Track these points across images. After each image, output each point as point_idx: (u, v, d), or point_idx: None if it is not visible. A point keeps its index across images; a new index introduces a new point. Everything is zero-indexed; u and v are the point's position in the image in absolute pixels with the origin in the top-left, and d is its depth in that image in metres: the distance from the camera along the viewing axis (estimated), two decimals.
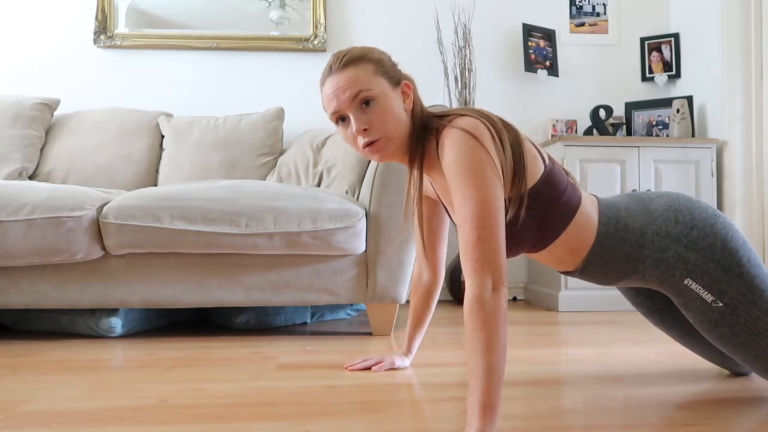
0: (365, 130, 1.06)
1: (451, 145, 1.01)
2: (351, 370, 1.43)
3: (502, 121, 1.07)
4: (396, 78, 1.12)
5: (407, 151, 1.12)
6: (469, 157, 0.98)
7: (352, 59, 1.08)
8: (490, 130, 1.02)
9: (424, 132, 1.12)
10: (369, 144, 1.08)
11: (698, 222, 1.08)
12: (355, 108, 1.07)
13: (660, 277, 1.09)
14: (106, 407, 1.14)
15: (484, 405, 0.86)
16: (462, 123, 1.03)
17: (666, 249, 1.07)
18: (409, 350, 1.47)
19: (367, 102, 1.06)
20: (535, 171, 1.06)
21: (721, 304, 1.05)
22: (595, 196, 1.17)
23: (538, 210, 1.06)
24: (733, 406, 1.11)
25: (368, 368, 1.43)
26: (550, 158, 1.12)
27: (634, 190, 2.66)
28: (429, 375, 1.38)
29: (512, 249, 1.09)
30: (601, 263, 1.12)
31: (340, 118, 1.09)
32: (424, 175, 1.15)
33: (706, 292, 1.06)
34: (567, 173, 1.13)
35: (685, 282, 1.07)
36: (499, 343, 0.89)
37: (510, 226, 1.03)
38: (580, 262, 1.14)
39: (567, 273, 1.19)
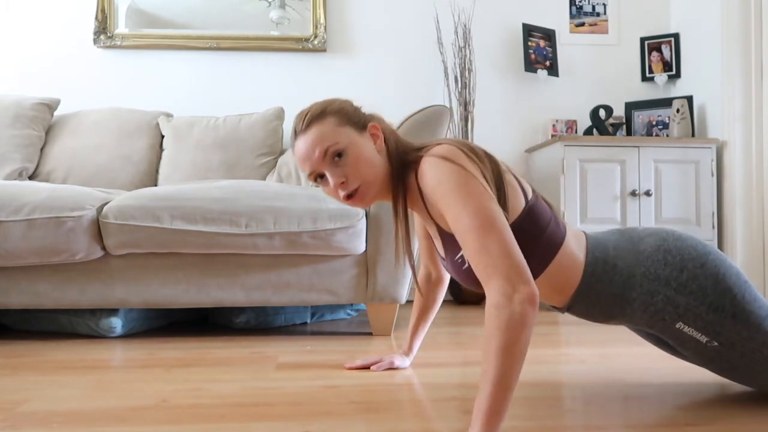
0: (343, 183, 1.07)
1: (429, 172, 1.00)
2: (350, 369, 1.43)
3: (484, 151, 1.05)
4: (362, 122, 1.11)
5: (390, 189, 1.11)
6: (451, 178, 0.97)
7: (314, 117, 1.08)
8: (467, 155, 1.01)
9: (403, 167, 1.11)
10: (350, 195, 1.08)
11: (688, 263, 1.03)
12: (329, 164, 1.07)
13: (649, 321, 1.06)
14: (106, 407, 1.14)
15: (488, 411, 0.83)
16: (438, 150, 1.02)
17: (655, 293, 1.03)
18: (409, 350, 1.47)
19: (338, 155, 1.06)
20: (515, 205, 1.03)
21: (716, 344, 1.03)
22: (583, 232, 1.13)
23: (521, 241, 1.00)
24: (734, 406, 1.11)
25: (367, 367, 1.43)
26: (533, 192, 1.08)
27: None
28: (429, 375, 1.38)
29: None
30: (588, 303, 1.09)
31: (318, 176, 1.10)
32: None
33: (699, 334, 1.03)
34: (551, 207, 1.09)
35: (677, 326, 1.03)
36: (515, 351, 0.84)
37: None
38: (566, 301, 1.10)
39: (554, 308, 1.16)
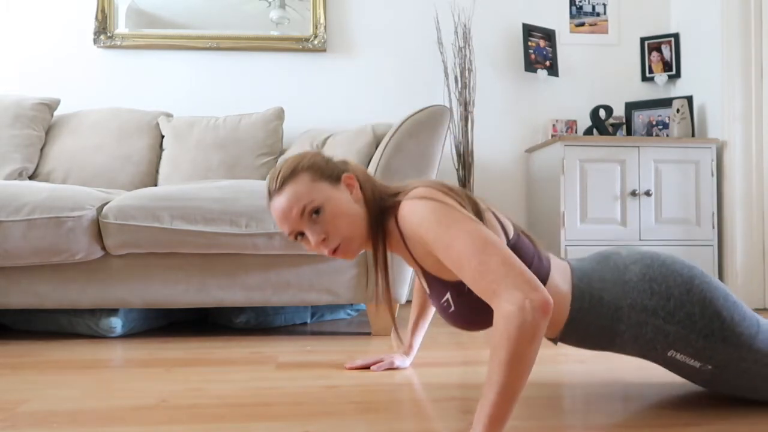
0: (324, 239, 1.05)
1: (410, 215, 0.99)
2: (350, 369, 1.43)
3: (462, 190, 1.04)
4: (335, 174, 1.09)
5: (370, 237, 1.09)
6: (433, 214, 0.96)
7: (286, 176, 1.06)
8: (445, 192, 1.01)
9: (381, 213, 1.09)
10: (333, 251, 1.06)
11: (674, 291, 1.01)
12: (307, 222, 1.05)
13: (641, 351, 1.05)
14: (106, 407, 1.14)
15: (491, 418, 0.82)
16: (415, 193, 1.01)
17: (643, 323, 1.01)
18: (409, 350, 1.47)
19: (316, 212, 1.05)
20: None
21: (710, 367, 1.02)
22: (568, 262, 1.11)
23: None
24: (734, 406, 1.11)
25: (367, 367, 1.43)
26: (515, 229, 1.07)
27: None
28: (429, 375, 1.38)
29: (477, 323, 1.06)
30: (578, 337, 1.08)
31: (298, 235, 1.08)
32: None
33: (692, 360, 1.02)
34: (534, 242, 1.07)
35: (669, 353, 1.03)
36: (523, 363, 0.83)
37: (473, 300, 0.98)
38: (556, 334, 1.09)
39: (548, 338, 1.14)
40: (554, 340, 1.12)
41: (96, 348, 1.74)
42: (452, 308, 1.05)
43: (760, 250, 2.64)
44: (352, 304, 2.39)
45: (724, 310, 1.01)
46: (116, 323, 1.90)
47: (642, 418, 1.05)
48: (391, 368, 1.43)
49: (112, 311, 1.91)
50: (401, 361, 1.44)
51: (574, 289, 1.05)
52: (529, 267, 1.01)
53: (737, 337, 1.00)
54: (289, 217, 1.05)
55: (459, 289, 1.02)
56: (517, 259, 0.90)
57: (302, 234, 1.08)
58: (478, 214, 1.00)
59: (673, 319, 1.00)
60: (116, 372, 1.44)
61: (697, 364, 1.03)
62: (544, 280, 1.03)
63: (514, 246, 1.03)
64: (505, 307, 0.85)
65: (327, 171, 1.09)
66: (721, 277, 2.70)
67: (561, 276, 1.07)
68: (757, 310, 2.61)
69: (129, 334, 1.97)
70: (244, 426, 1.02)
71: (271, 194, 1.08)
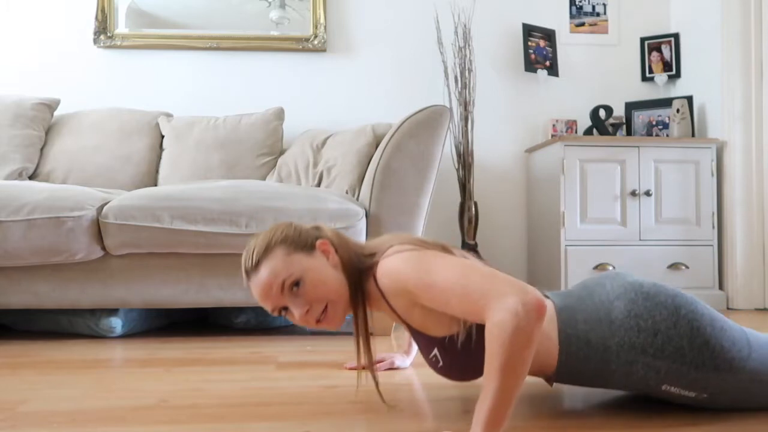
0: (308, 310, 1.04)
1: (388, 271, 0.99)
2: (350, 369, 1.43)
3: (437, 242, 1.04)
4: (309, 243, 1.08)
5: (351, 300, 1.08)
6: (409, 262, 0.97)
7: (260, 254, 1.05)
8: (419, 244, 1.02)
9: (360, 275, 1.07)
10: (318, 321, 1.05)
11: (660, 325, 1.00)
12: (288, 296, 1.04)
13: (635, 387, 1.04)
14: (106, 407, 1.14)
15: (488, 422, 0.83)
16: (389, 252, 1.02)
17: (633, 362, 1.00)
18: (409, 350, 1.47)
19: (296, 284, 1.04)
20: None
21: (706, 395, 1.02)
22: (551, 300, 1.08)
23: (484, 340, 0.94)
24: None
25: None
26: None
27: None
28: (429, 375, 1.38)
29: (468, 375, 1.05)
30: (572, 379, 1.07)
31: (281, 310, 1.07)
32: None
33: (687, 391, 1.02)
34: None
35: (663, 388, 1.02)
36: (518, 369, 0.83)
37: (461, 354, 0.99)
38: (550, 376, 1.08)
39: (543, 379, 1.13)
40: (549, 383, 1.11)
41: (96, 348, 1.74)
42: (441, 363, 1.05)
43: (760, 250, 2.64)
44: None
45: (712, 339, 1.00)
46: (116, 323, 1.90)
47: (642, 418, 1.05)
48: (392, 368, 1.43)
49: (112, 311, 1.91)
50: (401, 361, 1.44)
51: (560, 334, 1.03)
52: None
53: (729, 363, 1.00)
54: (270, 294, 1.04)
55: (446, 344, 1.01)
56: (495, 272, 0.91)
57: (285, 308, 1.06)
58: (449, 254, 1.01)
59: (663, 354, 0.99)
60: (116, 372, 1.44)
61: (693, 394, 1.02)
62: None
63: None
64: (497, 315, 0.85)
65: (301, 241, 1.07)
66: (720, 277, 2.70)
67: (546, 319, 1.03)
68: (757, 310, 2.61)
69: (129, 334, 1.97)
70: (244, 426, 1.02)
71: (248, 273, 1.07)
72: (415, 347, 1.47)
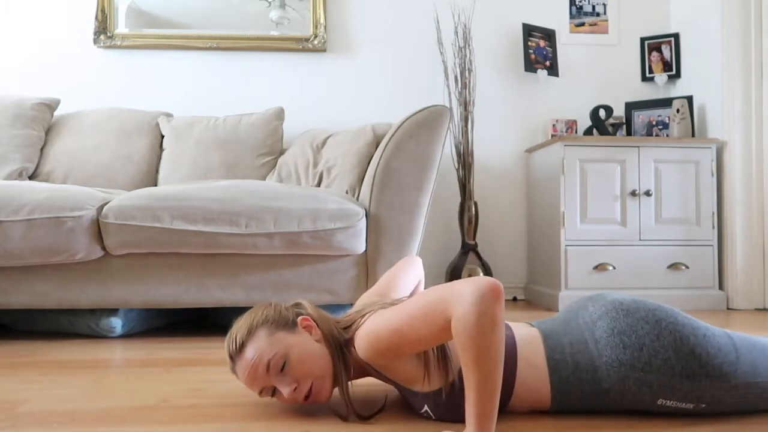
0: (296, 388, 1.03)
1: (363, 342, 1.01)
2: None
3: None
4: (291, 321, 1.08)
5: (334, 374, 1.08)
6: (376, 325, 0.99)
7: (243, 337, 1.04)
8: (389, 307, 1.04)
9: (342, 347, 1.08)
10: (306, 397, 1.04)
11: (644, 339, 1.01)
12: (274, 376, 1.03)
13: (631, 404, 1.04)
14: (106, 407, 1.14)
15: (478, 415, 0.85)
16: (360, 322, 1.05)
17: (625, 379, 1.01)
18: None
19: (282, 365, 1.03)
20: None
21: (704, 405, 1.02)
22: (537, 328, 1.09)
23: None
24: None
25: None
26: None
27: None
28: None
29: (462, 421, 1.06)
30: (571, 405, 1.07)
31: (270, 390, 1.06)
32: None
33: (684, 403, 1.02)
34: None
35: (659, 402, 1.02)
36: (491, 355, 0.85)
37: (450, 407, 1.00)
38: (547, 405, 1.07)
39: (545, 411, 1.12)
40: (548, 411, 1.09)
41: (96, 348, 1.74)
42: (433, 418, 1.06)
43: (760, 250, 2.64)
44: (352, 304, 2.38)
45: (697, 347, 1.00)
46: (116, 323, 1.90)
47: (642, 418, 1.05)
48: None
49: (112, 311, 1.91)
50: None
51: (548, 361, 1.04)
52: None
53: (719, 369, 1.00)
54: (257, 375, 1.03)
55: (434, 400, 1.02)
56: (440, 285, 0.95)
57: (273, 390, 1.06)
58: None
59: (651, 368, 1.00)
60: (116, 372, 1.44)
61: (690, 406, 1.02)
62: (512, 364, 1.02)
63: None
64: (457, 310, 0.87)
65: (282, 320, 1.07)
66: (720, 277, 2.71)
67: (531, 349, 1.05)
68: (757, 310, 2.61)
69: (129, 334, 1.97)
70: (244, 426, 1.02)
71: (233, 358, 1.06)
72: None
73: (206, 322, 2.23)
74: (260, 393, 1.06)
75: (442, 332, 0.92)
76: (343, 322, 1.12)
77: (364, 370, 1.08)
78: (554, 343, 1.06)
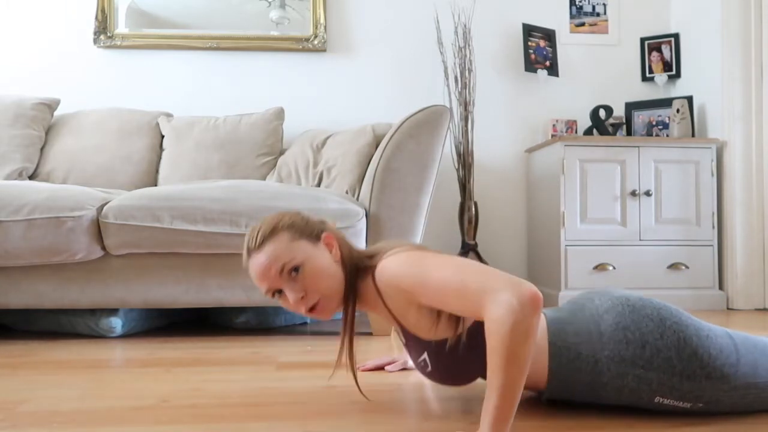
0: (302, 297, 1.05)
1: (387, 270, 1.01)
2: (363, 371, 1.42)
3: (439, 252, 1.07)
4: (315, 234, 1.09)
5: (343, 298, 1.09)
6: (407, 261, 0.99)
7: (265, 235, 1.06)
8: (421, 248, 1.03)
9: (357, 274, 1.09)
10: (311, 309, 1.06)
11: (648, 337, 1.01)
12: (285, 280, 1.05)
13: (627, 400, 1.04)
14: (106, 407, 1.14)
15: (495, 420, 0.84)
16: (390, 252, 1.04)
17: (624, 374, 1.01)
18: None
19: (295, 269, 1.04)
20: None
21: (701, 405, 1.02)
22: (543, 313, 1.08)
23: (476, 347, 0.98)
24: None
25: (380, 368, 1.43)
26: None
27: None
28: None
29: (456, 381, 1.06)
30: (564, 393, 1.07)
31: (276, 292, 1.07)
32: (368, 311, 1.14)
33: (681, 402, 1.02)
34: None
35: (656, 400, 1.02)
36: (520, 362, 0.84)
37: (450, 361, 1.00)
38: (542, 391, 1.08)
39: (537, 392, 1.14)
40: (541, 397, 1.11)
41: (96, 348, 1.74)
42: (429, 368, 1.06)
43: (760, 250, 2.64)
44: None
45: (700, 348, 1.00)
46: (116, 323, 1.90)
47: (641, 418, 1.05)
48: (405, 369, 1.43)
49: (112, 311, 1.91)
50: None
51: (551, 346, 1.04)
52: None
53: (720, 371, 1.00)
54: (268, 275, 1.04)
55: (436, 349, 1.02)
56: (489, 269, 0.92)
57: (280, 291, 1.07)
58: None
59: (652, 366, 1.00)
60: (116, 372, 1.44)
61: (687, 405, 1.02)
62: None
63: None
64: (495, 312, 0.86)
65: (307, 230, 1.08)
66: (720, 277, 2.71)
67: (538, 333, 1.05)
68: (757, 310, 2.61)
69: (129, 334, 1.97)
70: (244, 426, 1.02)
71: (249, 252, 1.07)
72: None
73: (206, 322, 2.23)
74: (266, 292, 1.07)
75: (467, 312, 0.92)
76: (367, 251, 1.12)
77: (375, 303, 1.08)
78: (558, 329, 1.06)
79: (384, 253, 1.06)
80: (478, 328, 0.98)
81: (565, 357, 1.04)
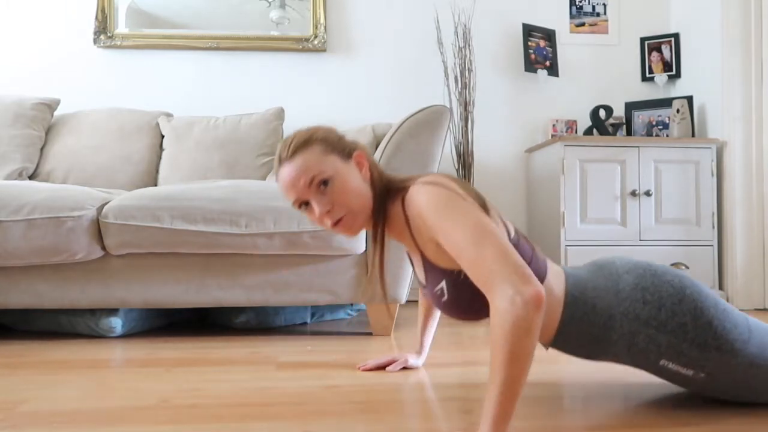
0: (328, 211, 1.06)
1: (417, 197, 1.00)
2: (364, 371, 1.42)
3: (472, 187, 1.06)
4: (347, 151, 1.11)
5: (371, 218, 1.11)
6: (440, 199, 0.97)
7: (298, 145, 1.07)
8: (455, 182, 1.03)
9: (386, 196, 1.10)
10: (336, 223, 1.07)
11: (666, 301, 1.02)
12: (314, 192, 1.06)
13: (633, 360, 1.05)
14: (106, 407, 1.14)
15: (496, 416, 0.84)
16: (425, 178, 1.03)
17: (636, 333, 1.02)
18: (421, 349, 1.47)
19: (324, 183, 1.06)
20: None
21: (703, 375, 1.02)
22: (563, 269, 1.11)
23: None
24: (733, 406, 1.11)
25: (381, 368, 1.43)
26: (516, 231, 1.07)
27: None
28: (429, 375, 1.38)
29: (470, 313, 1.07)
30: (570, 344, 1.08)
31: (303, 204, 1.09)
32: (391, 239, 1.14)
33: (685, 369, 1.02)
34: (533, 248, 1.07)
35: (661, 363, 1.03)
36: (521, 358, 0.84)
37: (467, 291, 1.00)
38: (548, 339, 1.09)
39: (540, 343, 1.13)
40: (545, 346, 1.12)
41: (96, 348, 1.74)
42: (445, 297, 1.06)
43: (760, 250, 2.64)
44: (352, 304, 2.39)
45: (715, 320, 1.01)
46: (116, 323, 1.90)
47: (642, 418, 1.05)
48: (405, 368, 1.43)
49: (112, 311, 1.91)
50: (414, 360, 1.45)
51: (567, 296, 1.05)
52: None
53: (730, 345, 1.01)
54: (297, 185, 1.06)
55: (455, 278, 1.03)
56: (513, 251, 0.91)
57: (307, 204, 1.09)
58: (485, 208, 1.01)
59: (665, 329, 1.01)
60: (116, 372, 1.44)
61: (690, 372, 1.03)
62: (541, 280, 1.03)
63: (515, 246, 1.03)
64: (498, 304, 0.86)
65: (339, 146, 1.10)
66: (720, 277, 2.71)
67: (556, 281, 1.07)
68: (757, 310, 2.61)
69: (129, 334, 1.97)
70: (244, 426, 1.02)
71: (281, 161, 1.09)
72: (426, 347, 1.48)
73: (206, 322, 2.23)
74: (293, 203, 1.09)
75: (474, 280, 0.92)
76: (400, 176, 1.13)
77: (401, 229, 1.09)
78: (577, 282, 1.07)
79: (416, 180, 1.05)
80: None
81: (580, 309, 1.05)
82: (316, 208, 1.06)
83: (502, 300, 0.86)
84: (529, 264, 1.03)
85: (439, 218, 0.96)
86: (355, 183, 1.08)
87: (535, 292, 0.86)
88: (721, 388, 1.06)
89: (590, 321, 1.04)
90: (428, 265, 1.07)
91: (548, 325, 1.06)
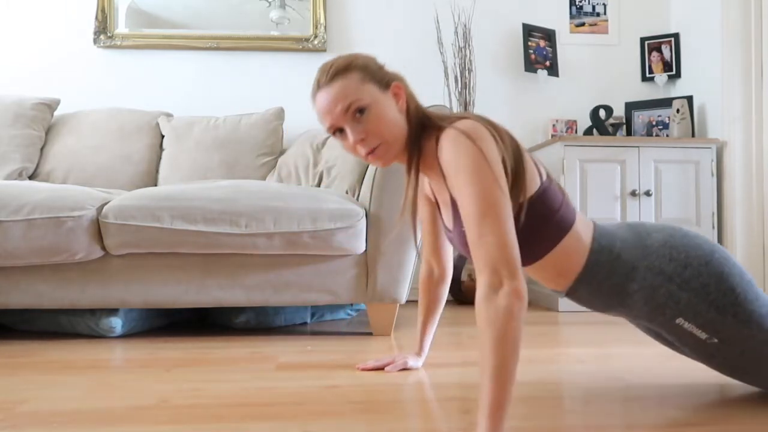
0: (363, 139, 1.06)
1: (449, 144, 1.00)
2: (363, 371, 1.42)
3: (506, 131, 1.06)
4: (385, 81, 1.11)
5: (406, 150, 1.11)
6: (467, 156, 0.97)
7: (338, 71, 1.07)
8: (491, 133, 1.01)
9: (422, 131, 1.11)
10: (370, 152, 1.07)
11: (693, 260, 1.03)
12: (350, 119, 1.06)
13: (649, 314, 1.06)
14: (106, 407, 1.14)
15: (491, 406, 0.84)
16: (462, 125, 1.02)
17: (658, 287, 1.03)
18: (421, 350, 1.47)
19: (360, 111, 1.06)
20: (531, 186, 1.04)
21: (716, 340, 1.03)
22: (593, 222, 1.13)
23: (527, 225, 1.02)
24: (734, 407, 1.11)
25: (380, 368, 1.43)
26: (548, 176, 1.09)
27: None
28: (429, 375, 1.38)
29: None
30: (589, 290, 1.09)
31: (338, 130, 1.09)
32: (423, 175, 1.15)
33: (699, 331, 1.03)
34: (563, 194, 1.09)
35: (677, 321, 1.04)
36: (507, 343, 0.85)
37: None
38: (567, 285, 1.10)
39: (555, 292, 1.16)
40: (562, 293, 1.13)
41: (96, 348, 1.74)
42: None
43: (760, 250, 2.64)
44: (352, 304, 2.39)
45: (738, 287, 1.02)
46: (116, 323, 1.90)
47: (642, 418, 1.05)
48: (405, 369, 1.43)
49: (112, 311, 1.91)
50: (414, 361, 1.44)
51: (593, 243, 1.07)
52: (557, 212, 1.05)
53: (748, 315, 1.01)
54: (333, 111, 1.06)
55: None
56: (513, 241, 0.91)
57: (341, 131, 1.09)
58: (519, 155, 1.02)
59: (688, 287, 1.02)
60: (116, 372, 1.44)
61: (704, 336, 1.04)
62: (568, 227, 1.06)
63: (546, 189, 1.05)
64: (483, 289, 0.88)
65: (378, 75, 1.10)
66: None
67: (584, 229, 1.09)
68: None
69: (129, 334, 1.97)
70: (244, 426, 1.02)
71: (319, 85, 1.09)
72: (426, 348, 1.48)
73: (206, 322, 2.23)
74: (328, 129, 1.10)
75: (471, 248, 0.92)
76: (438, 114, 1.13)
77: (432, 166, 1.10)
78: (605, 234, 1.09)
79: (452, 121, 1.05)
80: (533, 203, 1.01)
81: (605, 256, 1.06)
82: (350, 135, 1.07)
83: (486, 287, 0.88)
84: (560, 207, 1.05)
85: (458, 179, 0.96)
86: (391, 113, 1.08)
87: (517, 287, 0.87)
88: (729, 360, 1.06)
89: (613, 269, 1.06)
90: (455, 204, 1.07)
91: (571, 269, 1.07)
